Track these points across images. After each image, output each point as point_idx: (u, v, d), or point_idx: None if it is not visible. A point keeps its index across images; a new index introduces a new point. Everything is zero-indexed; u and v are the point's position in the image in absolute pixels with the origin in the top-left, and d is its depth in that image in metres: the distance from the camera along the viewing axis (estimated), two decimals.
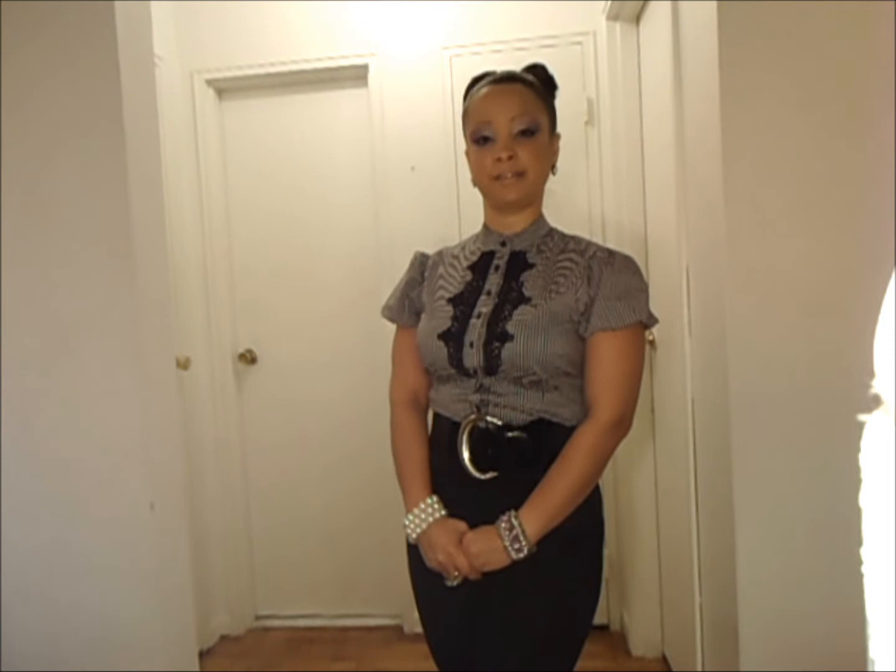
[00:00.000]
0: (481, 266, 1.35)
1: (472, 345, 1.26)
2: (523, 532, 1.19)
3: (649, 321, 1.28)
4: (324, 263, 2.77)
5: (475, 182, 1.34)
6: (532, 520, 1.20)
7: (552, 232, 1.36)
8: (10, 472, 1.62)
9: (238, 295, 2.82)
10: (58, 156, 1.56)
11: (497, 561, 1.21)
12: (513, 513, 1.21)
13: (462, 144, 1.39)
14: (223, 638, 2.78)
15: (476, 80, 1.38)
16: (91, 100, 1.55)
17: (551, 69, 1.39)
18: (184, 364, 2.52)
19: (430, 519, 1.28)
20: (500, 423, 1.25)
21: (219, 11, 2.64)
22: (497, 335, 1.25)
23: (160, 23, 2.21)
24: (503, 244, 1.35)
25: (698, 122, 1.54)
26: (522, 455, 1.25)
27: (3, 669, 1.62)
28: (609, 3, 2.32)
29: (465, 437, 1.26)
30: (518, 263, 1.32)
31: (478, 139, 1.29)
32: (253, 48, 2.63)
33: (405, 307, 1.41)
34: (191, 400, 2.61)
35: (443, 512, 1.29)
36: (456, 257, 1.40)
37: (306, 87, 2.71)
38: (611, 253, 1.30)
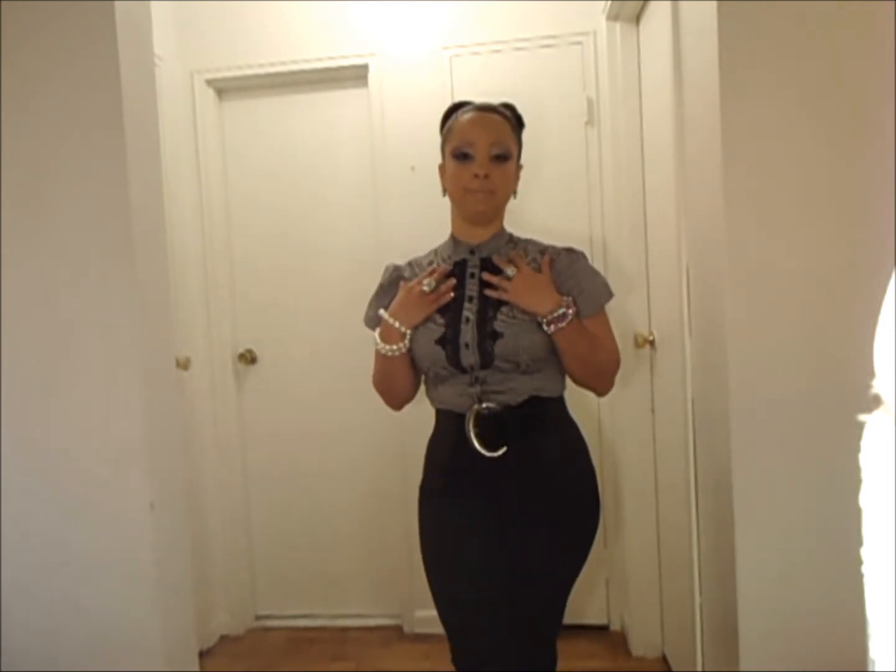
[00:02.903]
0: (457, 275, 1.51)
1: (467, 346, 1.43)
2: (569, 314, 1.39)
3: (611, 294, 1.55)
4: (324, 263, 2.77)
5: (447, 192, 1.52)
6: (578, 322, 1.42)
7: (512, 238, 1.55)
8: (10, 472, 1.62)
9: (238, 295, 2.82)
10: (58, 156, 1.56)
11: (548, 299, 1.39)
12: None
13: None
14: (223, 638, 2.78)
15: (456, 107, 1.54)
16: (91, 100, 1.55)
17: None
18: (184, 364, 2.52)
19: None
20: (498, 407, 1.43)
21: (219, 11, 2.64)
22: (488, 335, 1.43)
23: (160, 23, 2.21)
24: (472, 252, 1.52)
25: (698, 122, 1.54)
26: (524, 426, 1.43)
27: (3, 669, 1.62)
28: (609, 3, 2.32)
29: (471, 424, 1.42)
30: (490, 269, 1.48)
31: (458, 155, 1.46)
32: (253, 48, 2.63)
33: None
34: (191, 400, 2.60)
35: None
36: (431, 265, 1.56)
37: (306, 87, 2.71)
38: (568, 250, 1.51)
